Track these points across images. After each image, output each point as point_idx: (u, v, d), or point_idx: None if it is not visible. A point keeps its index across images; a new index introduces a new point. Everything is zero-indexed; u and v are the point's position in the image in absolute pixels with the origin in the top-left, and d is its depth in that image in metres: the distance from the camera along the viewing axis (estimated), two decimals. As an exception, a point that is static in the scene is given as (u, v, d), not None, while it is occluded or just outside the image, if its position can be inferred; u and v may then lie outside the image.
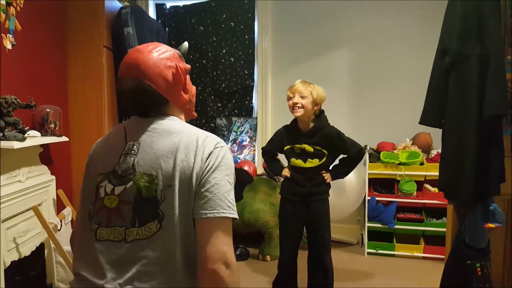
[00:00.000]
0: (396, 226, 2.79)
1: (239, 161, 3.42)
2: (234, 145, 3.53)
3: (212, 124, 3.54)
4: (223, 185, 0.85)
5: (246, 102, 3.48)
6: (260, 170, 3.22)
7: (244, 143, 3.51)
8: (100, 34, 2.42)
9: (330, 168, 2.05)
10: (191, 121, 1.07)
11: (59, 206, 2.20)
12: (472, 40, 1.38)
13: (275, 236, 2.67)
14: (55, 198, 2.17)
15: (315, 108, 1.93)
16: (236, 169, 2.98)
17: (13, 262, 1.75)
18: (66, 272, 1.98)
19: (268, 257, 2.76)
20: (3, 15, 1.84)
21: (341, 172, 2.05)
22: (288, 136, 2.02)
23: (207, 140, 0.89)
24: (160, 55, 0.93)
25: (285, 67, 3.32)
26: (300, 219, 2.01)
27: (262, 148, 2.15)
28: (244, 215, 2.72)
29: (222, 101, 3.52)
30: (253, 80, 3.43)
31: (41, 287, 2.02)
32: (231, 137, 3.53)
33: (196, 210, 0.83)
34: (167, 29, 3.51)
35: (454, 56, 1.45)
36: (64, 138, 2.17)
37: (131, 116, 0.98)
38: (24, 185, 1.85)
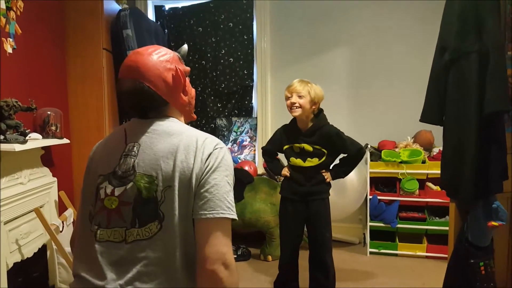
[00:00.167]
0: (399, 225, 2.78)
1: (239, 161, 3.42)
2: (235, 145, 3.53)
3: (212, 125, 3.55)
4: (222, 185, 0.85)
5: (246, 102, 3.48)
6: (260, 170, 3.22)
7: (244, 143, 3.51)
8: (100, 36, 2.43)
9: (331, 167, 2.04)
10: (191, 122, 1.07)
11: (61, 208, 2.20)
12: (471, 36, 1.38)
13: (276, 236, 2.66)
14: (57, 200, 2.17)
15: (313, 107, 1.93)
16: (236, 169, 3.02)
17: (15, 264, 1.76)
18: (68, 273, 1.99)
19: (270, 257, 2.76)
20: (3, 20, 1.85)
21: (341, 171, 2.04)
22: (287, 136, 2.02)
23: (207, 141, 0.90)
24: (160, 57, 0.94)
25: (284, 67, 3.32)
26: (300, 219, 2.01)
27: (262, 148, 2.15)
28: (245, 215, 2.72)
29: (222, 101, 3.52)
30: (252, 80, 3.43)
31: (43, 288, 2.03)
32: (231, 137, 3.53)
33: (196, 211, 0.84)
34: (166, 30, 3.51)
35: (454, 53, 1.44)
36: (65, 140, 2.18)
37: (131, 118, 0.99)
38: (26, 187, 1.86)
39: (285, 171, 2.04)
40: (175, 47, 3.38)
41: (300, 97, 1.89)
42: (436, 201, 2.72)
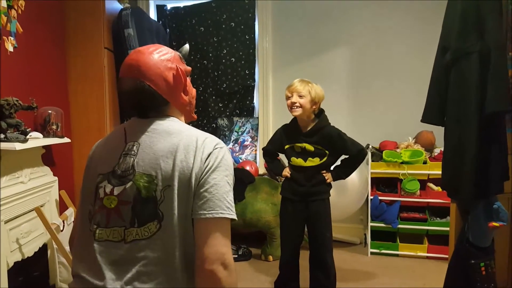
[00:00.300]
0: (400, 226, 2.77)
1: (241, 161, 3.42)
2: (236, 145, 3.52)
3: (214, 125, 3.55)
4: (222, 185, 0.85)
5: (247, 102, 3.48)
6: (262, 170, 3.22)
7: (246, 143, 3.50)
8: (101, 36, 2.44)
9: (331, 168, 2.04)
10: (192, 122, 1.07)
11: (62, 207, 2.20)
12: (472, 36, 1.37)
13: (277, 236, 2.66)
14: (58, 199, 2.18)
15: (314, 107, 1.92)
16: (238, 169, 3.02)
17: (16, 263, 1.76)
18: (69, 273, 1.99)
19: (271, 257, 2.75)
20: (5, 18, 1.85)
21: (342, 172, 2.04)
22: (288, 135, 2.02)
23: (207, 141, 0.89)
24: (161, 56, 0.94)
25: (285, 67, 3.32)
26: (300, 219, 2.01)
27: (263, 149, 2.15)
28: (246, 215, 2.72)
29: (223, 101, 3.52)
30: (254, 80, 3.43)
31: (44, 287, 2.03)
32: (233, 137, 3.53)
33: (195, 211, 0.83)
34: (167, 30, 3.51)
35: (455, 53, 1.44)
36: (66, 140, 2.18)
37: (131, 117, 0.99)
38: (27, 186, 1.86)
39: (286, 172, 2.03)
40: (176, 47, 3.37)
41: (300, 96, 1.89)
42: (437, 202, 2.71)
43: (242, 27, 3.40)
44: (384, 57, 3.09)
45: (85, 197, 0.94)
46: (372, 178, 2.84)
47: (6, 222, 1.71)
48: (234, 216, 0.85)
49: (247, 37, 3.40)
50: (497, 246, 1.55)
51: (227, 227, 0.84)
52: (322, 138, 1.93)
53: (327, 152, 1.94)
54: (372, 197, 2.83)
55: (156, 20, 3.52)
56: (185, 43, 1.17)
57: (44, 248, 2.03)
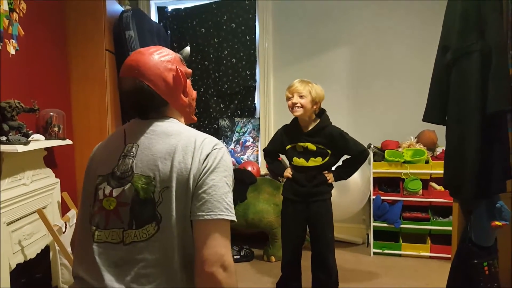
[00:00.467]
0: (402, 225, 2.76)
1: (242, 161, 3.42)
2: (237, 145, 3.52)
3: (215, 125, 3.55)
4: (220, 186, 0.84)
5: (249, 103, 3.48)
6: (263, 171, 3.21)
7: (247, 143, 3.50)
8: (102, 38, 2.44)
9: (333, 169, 2.03)
10: (194, 123, 1.07)
11: (64, 209, 2.21)
12: (473, 36, 1.36)
13: (279, 236, 2.65)
14: (60, 200, 2.18)
15: (315, 107, 1.92)
16: (239, 169, 3.01)
17: (18, 265, 1.77)
18: (71, 274, 1.99)
19: (273, 258, 2.75)
20: (6, 21, 1.86)
21: (343, 172, 2.03)
22: (289, 136, 2.01)
23: (205, 141, 0.89)
24: (161, 57, 0.94)
25: (286, 67, 3.32)
26: (301, 219, 2.00)
27: (263, 149, 2.15)
28: (248, 215, 2.72)
29: (224, 102, 3.53)
30: (255, 81, 3.43)
31: (46, 289, 2.04)
32: (234, 138, 3.53)
33: (193, 212, 0.83)
34: (169, 31, 3.52)
35: (456, 52, 1.43)
36: (68, 141, 2.19)
37: (132, 119, 0.99)
38: (29, 188, 1.87)
39: (288, 172, 2.03)
40: (177, 48, 3.39)
41: (301, 97, 1.89)
42: (440, 201, 2.70)
43: (243, 28, 3.40)
44: (384, 57, 3.09)
45: (85, 199, 0.94)
46: (374, 178, 2.83)
47: (8, 224, 1.71)
48: (233, 218, 0.84)
49: (247, 37, 3.40)
50: (500, 245, 1.54)
51: (226, 228, 0.83)
52: (324, 138, 1.92)
53: (329, 151, 1.93)
54: (374, 197, 2.82)
55: (157, 21, 3.52)
56: (186, 45, 1.17)
57: (46, 250, 2.03)
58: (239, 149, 3.52)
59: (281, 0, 3.27)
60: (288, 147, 2.01)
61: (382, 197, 2.82)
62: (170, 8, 3.57)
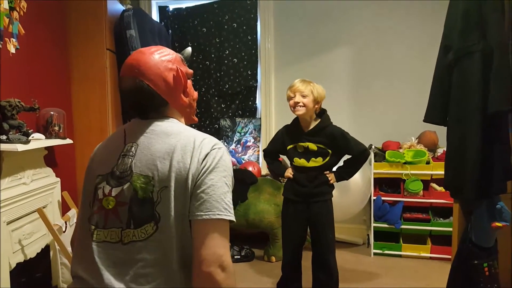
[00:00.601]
0: (403, 226, 2.76)
1: (243, 161, 3.42)
2: (238, 145, 3.52)
3: (216, 125, 3.55)
4: (219, 186, 0.84)
5: (250, 103, 3.48)
6: (264, 171, 3.21)
7: (248, 143, 3.50)
8: (103, 37, 2.44)
9: (334, 169, 2.03)
10: (193, 125, 1.07)
11: (64, 208, 2.21)
12: (475, 36, 1.36)
13: (280, 236, 2.64)
14: (60, 200, 2.18)
15: (316, 106, 1.93)
16: (240, 169, 3.01)
17: (18, 264, 1.77)
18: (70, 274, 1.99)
19: (273, 258, 2.75)
20: (7, 20, 1.86)
21: (345, 173, 2.03)
22: (290, 136, 2.01)
23: (205, 141, 0.89)
24: (161, 57, 0.94)
25: (287, 67, 3.31)
26: (301, 220, 2.00)
27: (264, 150, 2.14)
28: (248, 215, 2.72)
29: (225, 102, 3.53)
30: (256, 81, 3.42)
31: (46, 288, 2.04)
32: (235, 138, 3.53)
33: (192, 212, 0.83)
34: (170, 31, 3.52)
35: (457, 52, 1.43)
36: (68, 141, 2.19)
37: (132, 119, 0.99)
38: (29, 188, 1.87)
39: (289, 173, 2.02)
40: (179, 48, 3.39)
41: (303, 96, 1.89)
42: (440, 202, 2.70)
43: (244, 27, 3.40)
44: (384, 57, 3.09)
45: (85, 198, 0.94)
46: (375, 179, 2.82)
47: (8, 223, 1.71)
48: (232, 218, 0.84)
49: (249, 37, 3.40)
50: (500, 246, 1.54)
51: (225, 229, 0.83)
52: (325, 138, 1.92)
53: (330, 151, 1.93)
54: (375, 198, 2.82)
55: (158, 21, 3.53)
56: (188, 44, 1.17)
57: (46, 249, 2.03)
58: (240, 149, 3.51)
59: (282, 0, 3.27)
60: (289, 147, 2.01)
61: (382, 198, 2.81)
62: (171, 7, 3.57)
